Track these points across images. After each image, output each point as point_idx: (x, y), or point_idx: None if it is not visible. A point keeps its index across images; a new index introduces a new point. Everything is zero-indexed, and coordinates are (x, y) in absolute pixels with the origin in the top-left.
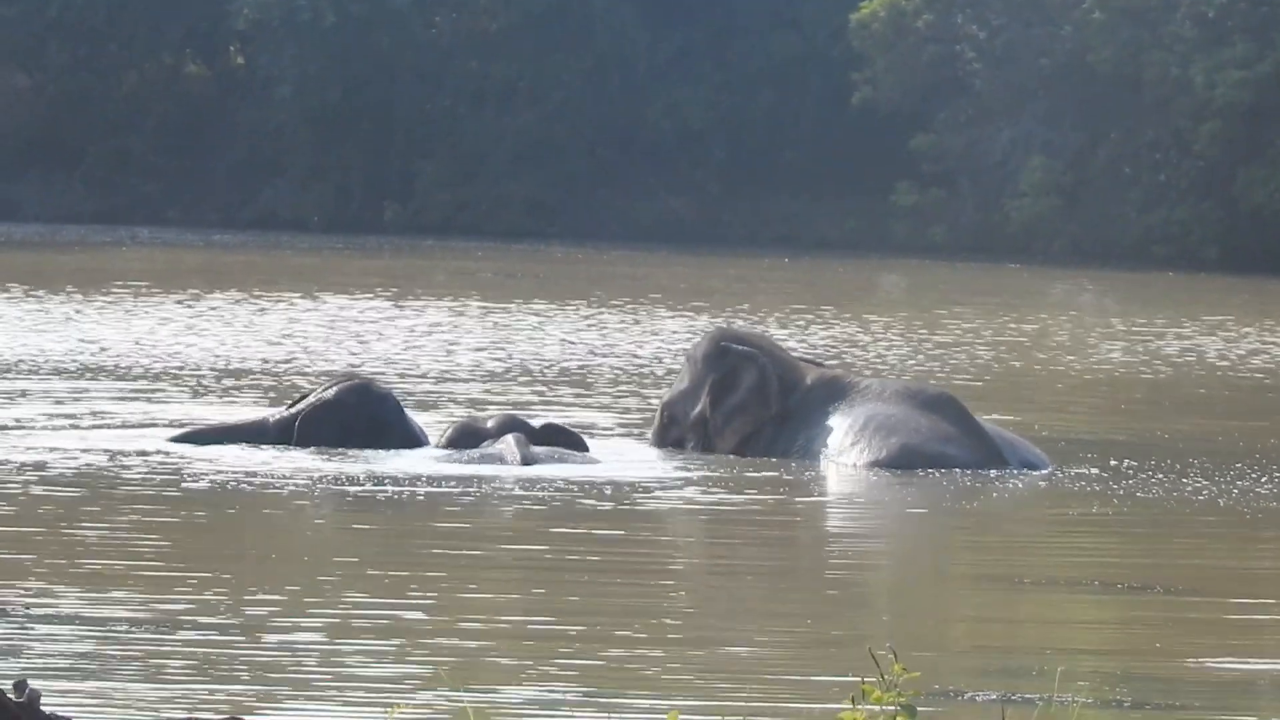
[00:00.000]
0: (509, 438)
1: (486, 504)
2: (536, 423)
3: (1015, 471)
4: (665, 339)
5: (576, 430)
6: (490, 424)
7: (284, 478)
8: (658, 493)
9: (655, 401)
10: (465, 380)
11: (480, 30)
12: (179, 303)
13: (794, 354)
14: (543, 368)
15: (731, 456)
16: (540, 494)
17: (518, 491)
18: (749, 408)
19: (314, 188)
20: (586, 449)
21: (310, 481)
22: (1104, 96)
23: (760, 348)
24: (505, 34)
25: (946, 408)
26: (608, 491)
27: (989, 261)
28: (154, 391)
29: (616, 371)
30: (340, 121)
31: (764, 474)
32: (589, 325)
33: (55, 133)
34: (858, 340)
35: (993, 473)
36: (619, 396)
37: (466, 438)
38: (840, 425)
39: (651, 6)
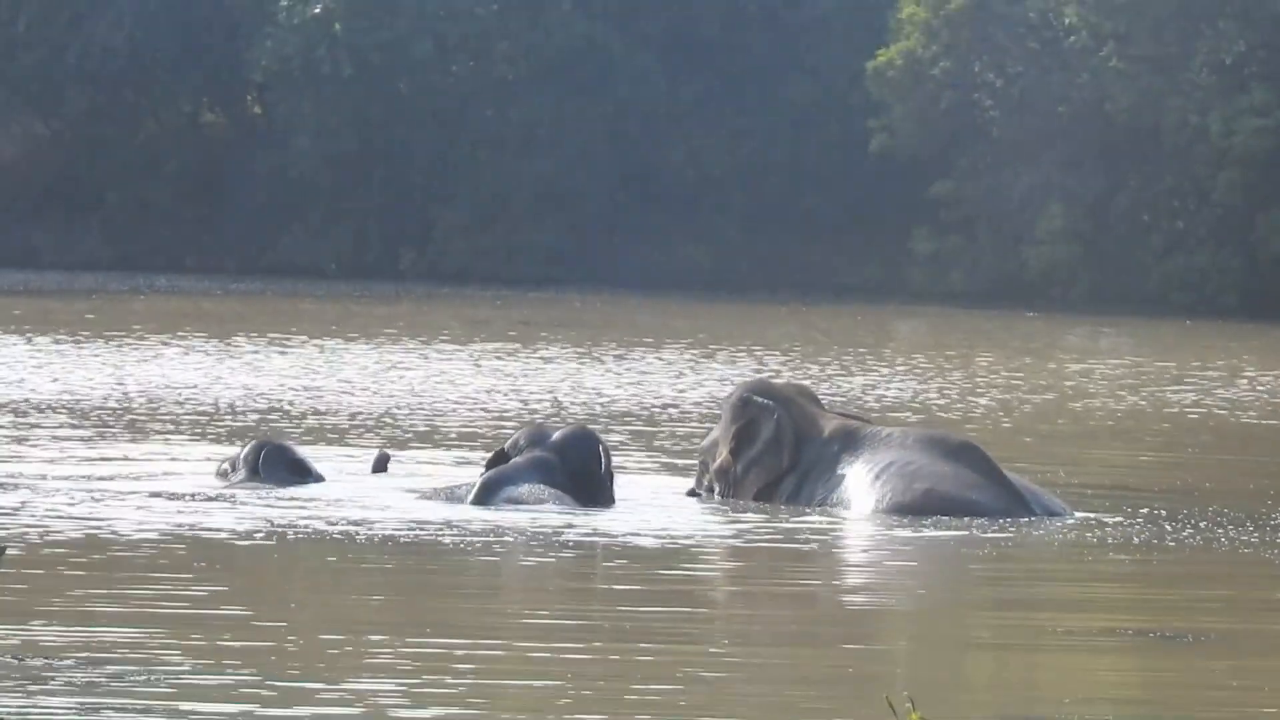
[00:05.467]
0: (482, 478)
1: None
2: (560, 429)
3: (1036, 519)
4: (683, 385)
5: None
6: (523, 435)
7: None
8: (608, 537)
9: (659, 444)
10: (481, 419)
11: (499, 77)
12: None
13: (829, 408)
14: (555, 409)
15: (730, 502)
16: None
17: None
18: (764, 460)
19: (331, 235)
20: (604, 461)
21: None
22: (1122, 144)
23: (786, 399)
24: (524, 81)
25: (970, 455)
26: (562, 537)
27: (1007, 308)
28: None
29: (630, 416)
30: (358, 169)
31: (777, 522)
32: (606, 370)
33: (73, 180)
34: (876, 387)
35: (1014, 521)
36: (636, 439)
37: (535, 438)
38: (861, 473)
39: (670, 53)
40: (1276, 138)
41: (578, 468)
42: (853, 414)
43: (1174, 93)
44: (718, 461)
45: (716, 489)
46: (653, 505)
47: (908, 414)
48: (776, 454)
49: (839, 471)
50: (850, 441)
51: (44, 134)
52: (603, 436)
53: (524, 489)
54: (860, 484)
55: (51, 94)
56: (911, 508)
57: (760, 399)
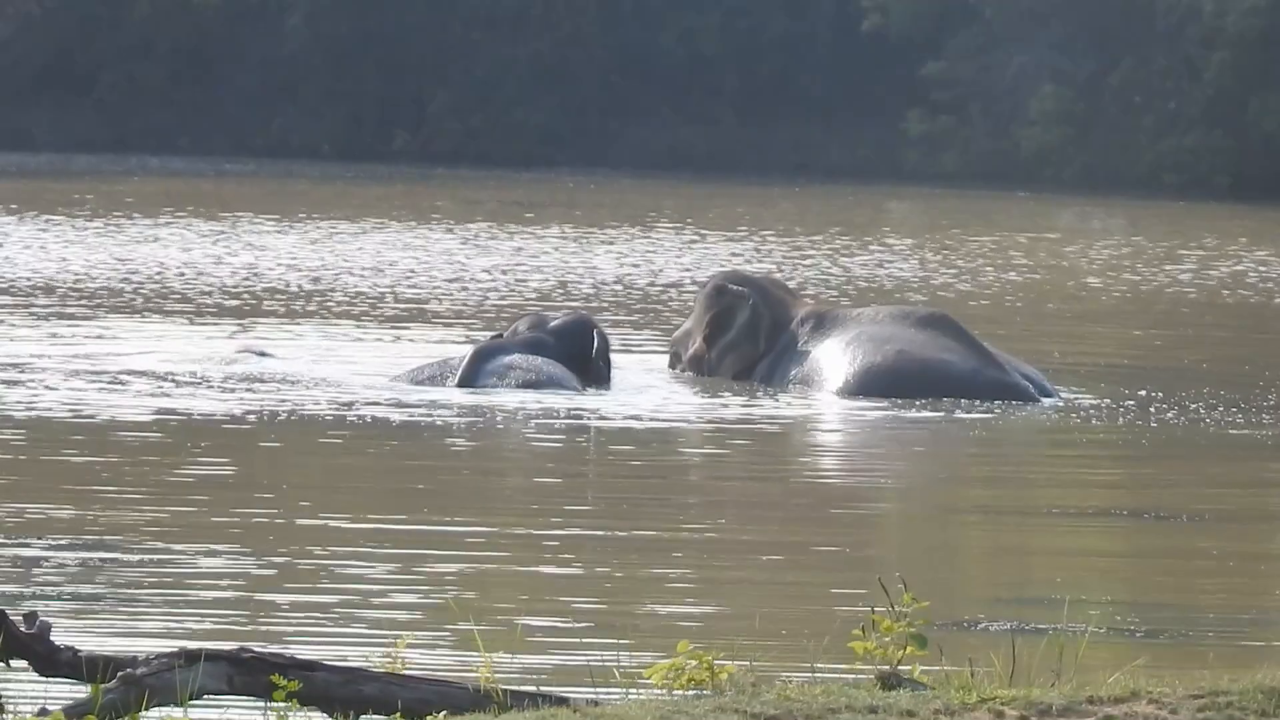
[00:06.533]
0: (466, 353)
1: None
2: (559, 317)
3: (1025, 401)
4: (678, 266)
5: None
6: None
7: (234, 415)
8: (608, 419)
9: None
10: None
11: None
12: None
13: (800, 295)
14: (555, 291)
15: (719, 381)
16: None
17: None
18: (740, 345)
19: (325, 115)
20: (599, 344)
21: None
22: (1115, 24)
23: (760, 286)
24: None
25: (941, 323)
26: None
27: (999, 189)
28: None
29: (621, 294)
30: (351, 49)
31: (765, 402)
32: (603, 251)
33: (66, 61)
34: (869, 267)
35: (1006, 402)
36: (625, 318)
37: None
38: (833, 345)
39: None
40: (1269, 18)
41: (574, 352)
42: (825, 301)
43: None
44: (691, 349)
45: (690, 376)
46: (648, 388)
47: (903, 294)
48: (752, 339)
49: (812, 348)
50: (822, 321)
51: (37, 13)
52: (601, 321)
53: (515, 357)
54: (833, 354)
55: None
56: (883, 368)
57: (735, 286)
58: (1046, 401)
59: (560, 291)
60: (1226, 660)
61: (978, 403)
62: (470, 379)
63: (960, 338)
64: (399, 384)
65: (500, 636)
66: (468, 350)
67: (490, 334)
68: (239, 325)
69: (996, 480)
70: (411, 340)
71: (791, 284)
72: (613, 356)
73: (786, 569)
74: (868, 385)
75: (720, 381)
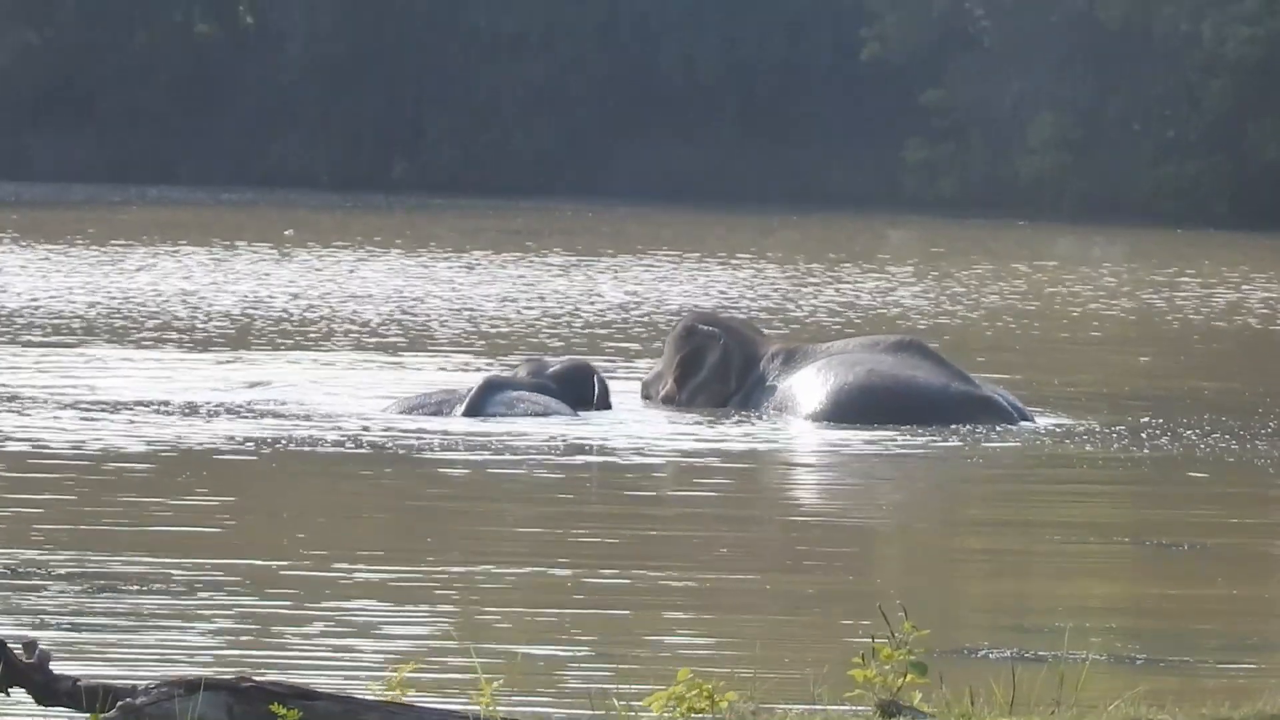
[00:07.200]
0: (475, 384)
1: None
2: (560, 361)
3: (997, 415)
4: (679, 294)
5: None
6: (522, 368)
7: (237, 440)
8: (617, 449)
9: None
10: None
11: None
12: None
13: (769, 335)
14: (547, 321)
15: (719, 410)
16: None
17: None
18: (711, 384)
19: (323, 144)
20: (598, 392)
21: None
22: (1113, 51)
23: (730, 326)
24: None
25: (910, 348)
26: (559, 447)
27: (998, 216)
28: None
29: (621, 326)
30: (350, 77)
31: (762, 431)
32: (603, 279)
33: (66, 89)
34: (869, 295)
35: (1004, 428)
36: (617, 348)
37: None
38: (805, 374)
39: None
40: (1267, 46)
41: (575, 398)
42: (794, 340)
43: (1165, 0)
44: (663, 391)
45: None
46: (648, 419)
47: (903, 322)
48: (724, 378)
49: (782, 380)
50: (791, 355)
51: (36, 43)
52: (602, 349)
53: (522, 392)
54: (805, 380)
55: (43, 2)
56: (853, 385)
57: (704, 327)
58: (1024, 425)
59: (560, 320)
60: (1228, 688)
61: (975, 428)
62: (478, 409)
63: (929, 357)
64: (400, 413)
65: (501, 665)
66: (475, 381)
67: (489, 362)
68: (237, 354)
69: (996, 507)
70: (416, 368)
71: (793, 313)
72: (615, 384)
73: (786, 597)
74: (840, 403)
75: (719, 410)
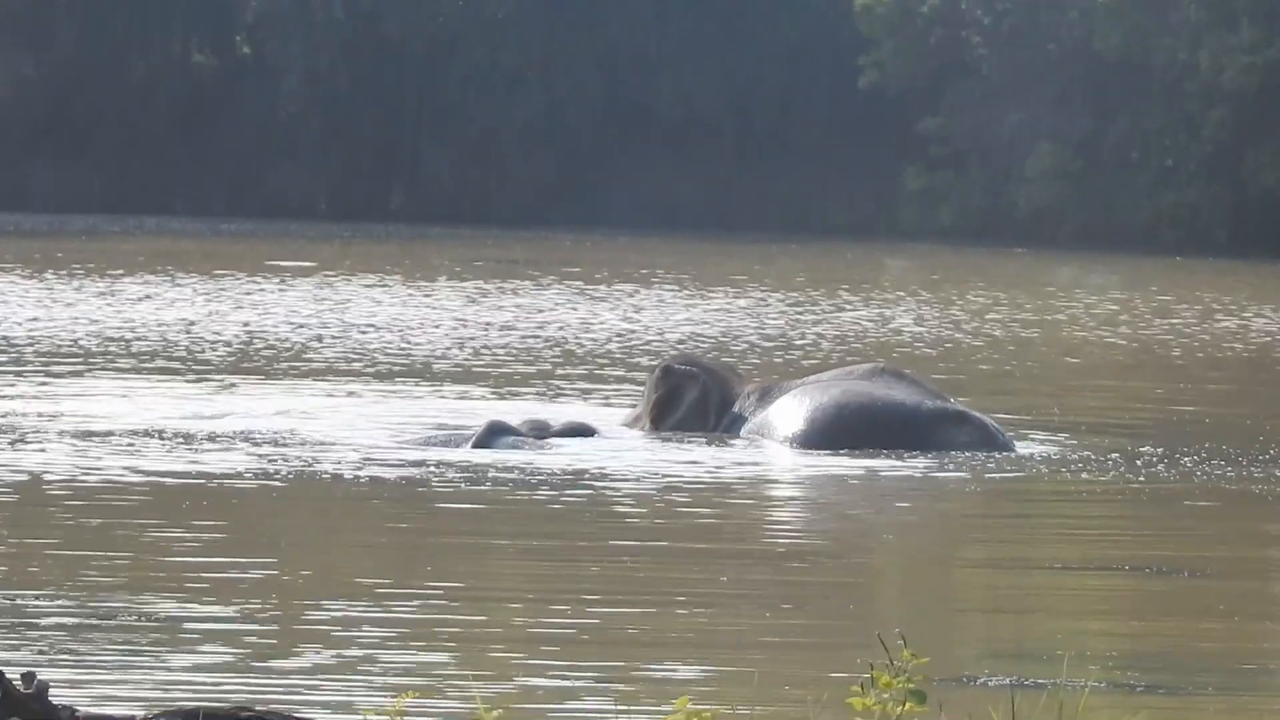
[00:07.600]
0: (487, 423)
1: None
2: (559, 421)
3: (1019, 453)
4: (679, 323)
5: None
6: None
7: (238, 473)
8: (619, 478)
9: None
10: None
11: (489, 15)
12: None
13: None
14: (545, 351)
15: (715, 436)
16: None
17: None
18: (690, 422)
19: (321, 174)
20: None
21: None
22: (1111, 81)
23: (708, 367)
24: (513, 19)
25: (885, 373)
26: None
27: (997, 245)
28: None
29: (619, 356)
30: (347, 108)
31: (759, 458)
32: (603, 308)
33: (63, 121)
34: (869, 324)
35: (1004, 456)
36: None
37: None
38: (782, 402)
39: None
40: (1265, 74)
41: None
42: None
43: (1163, 30)
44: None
45: None
46: (644, 446)
47: (902, 350)
48: (702, 416)
49: (759, 413)
50: (768, 391)
51: (33, 75)
52: (602, 379)
53: (531, 433)
54: (781, 408)
55: (41, 35)
56: (829, 405)
57: (681, 367)
58: (1016, 452)
59: (559, 349)
60: (1227, 714)
61: (972, 456)
62: (485, 446)
63: (903, 379)
64: (400, 442)
65: (500, 693)
66: (482, 423)
67: (489, 393)
68: (235, 384)
69: (995, 534)
70: (417, 398)
71: (794, 341)
72: (613, 413)
73: (784, 624)
74: (816, 424)
75: (716, 436)
